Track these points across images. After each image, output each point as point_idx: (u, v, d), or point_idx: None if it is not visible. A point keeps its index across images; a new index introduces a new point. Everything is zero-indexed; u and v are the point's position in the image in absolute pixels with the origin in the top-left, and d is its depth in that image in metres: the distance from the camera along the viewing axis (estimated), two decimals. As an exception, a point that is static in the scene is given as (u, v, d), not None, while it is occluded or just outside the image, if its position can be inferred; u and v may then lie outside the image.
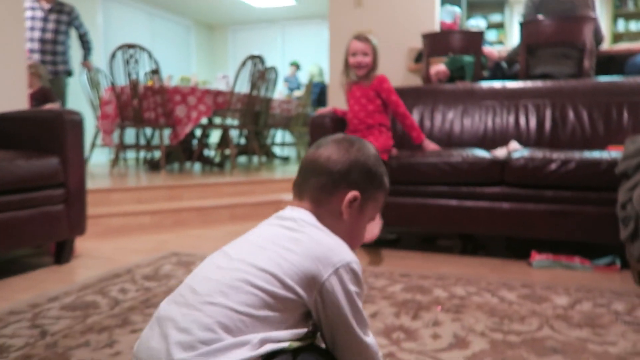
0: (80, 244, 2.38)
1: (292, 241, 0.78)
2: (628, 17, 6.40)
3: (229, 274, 0.75)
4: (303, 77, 7.56)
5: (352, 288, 0.77)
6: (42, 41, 4.42)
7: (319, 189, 0.84)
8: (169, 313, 0.75)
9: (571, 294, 1.68)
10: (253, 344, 0.69)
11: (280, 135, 7.13)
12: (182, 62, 8.15)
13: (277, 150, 6.74)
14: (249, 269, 0.75)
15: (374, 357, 0.82)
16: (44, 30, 4.40)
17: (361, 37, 2.39)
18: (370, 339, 0.80)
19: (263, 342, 0.70)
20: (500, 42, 6.50)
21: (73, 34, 4.74)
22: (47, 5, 4.41)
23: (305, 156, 0.89)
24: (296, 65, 7.45)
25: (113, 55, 3.83)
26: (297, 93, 6.69)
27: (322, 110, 2.55)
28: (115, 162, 4.05)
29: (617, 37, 6.29)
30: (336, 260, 0.76)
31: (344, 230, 0.84)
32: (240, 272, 0.75)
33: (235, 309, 0.71)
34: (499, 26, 6.84)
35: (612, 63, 3.45)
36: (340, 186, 0.84)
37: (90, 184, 2.74)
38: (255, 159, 5.45)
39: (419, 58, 3.86)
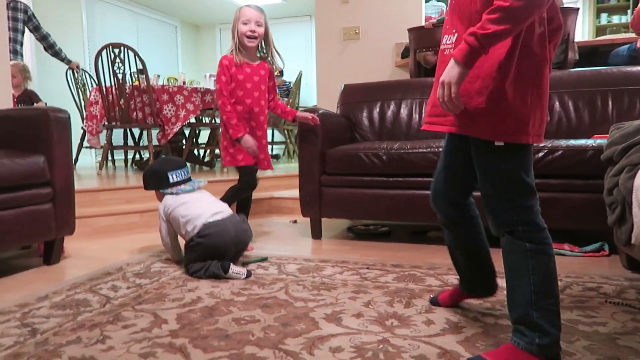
0: (69, 244, 2.35)
1: None
2: (610, 11, 6.48)
3: None
4: (289, 76, 7.48)
5: None
6: None
7: None
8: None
9: (561, 279, 1.70)
10: None
11: (269, 134, 7.10)
12: (169, 61, 8.08)
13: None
14: None
15: None
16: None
17: (254, 6, 2.23)
18: None
19: None
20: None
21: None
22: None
23: None
24: (279, 72, 7.28)
25: (98, 55, 3.79)
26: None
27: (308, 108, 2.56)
28: (102, 163, 4.00)
29: (599, 30, 6.36)
30: None
31: None
32: None
33: None
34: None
35: (595, 55, 3.49)
36: None
37: (77, 185, 2.71)
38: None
39: (405, 53, 3.87)
